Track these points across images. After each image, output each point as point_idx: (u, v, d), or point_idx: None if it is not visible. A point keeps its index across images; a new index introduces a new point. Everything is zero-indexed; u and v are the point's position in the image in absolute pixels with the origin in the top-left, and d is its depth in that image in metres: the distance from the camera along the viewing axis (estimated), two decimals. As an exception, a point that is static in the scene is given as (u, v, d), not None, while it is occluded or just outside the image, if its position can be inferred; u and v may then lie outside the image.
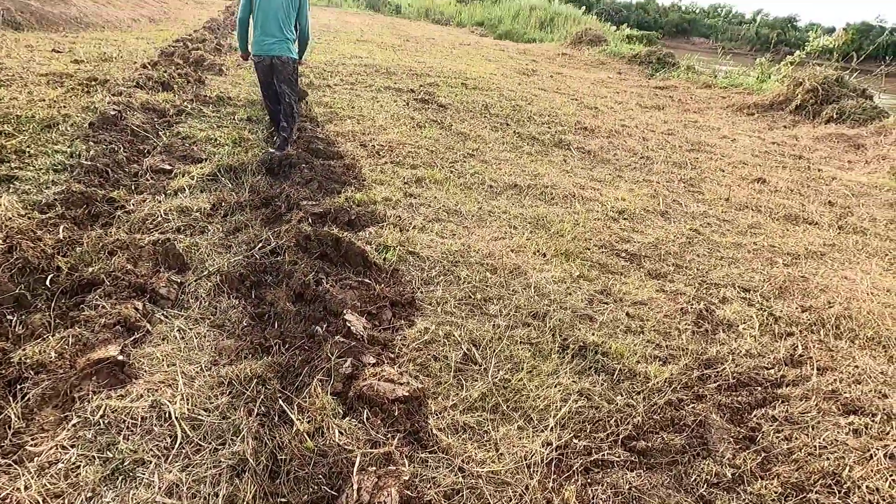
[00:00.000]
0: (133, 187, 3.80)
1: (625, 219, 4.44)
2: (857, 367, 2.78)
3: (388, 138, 5.62)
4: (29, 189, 3.52)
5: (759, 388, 2.59)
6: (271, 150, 4.66)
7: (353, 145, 5.32)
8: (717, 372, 2.66)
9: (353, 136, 5.58)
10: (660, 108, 9.89)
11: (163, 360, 2.22)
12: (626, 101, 10.06)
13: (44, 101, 5.23)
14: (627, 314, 3.04)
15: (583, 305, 3.03)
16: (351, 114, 6.52)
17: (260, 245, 3.05)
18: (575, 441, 2.11)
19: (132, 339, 2.28)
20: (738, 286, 3.59)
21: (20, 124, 4.51)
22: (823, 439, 2.25)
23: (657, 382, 2.49)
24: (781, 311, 3.31)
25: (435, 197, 4.25)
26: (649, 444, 2.14)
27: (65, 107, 5.14)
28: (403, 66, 10.31)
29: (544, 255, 3.52)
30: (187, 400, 2.01)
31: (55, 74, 6.28)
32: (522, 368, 2.44)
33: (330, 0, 30.74)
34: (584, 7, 36.12)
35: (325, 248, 3.04)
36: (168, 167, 4.12)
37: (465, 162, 5.26)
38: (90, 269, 2.67)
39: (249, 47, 4.96)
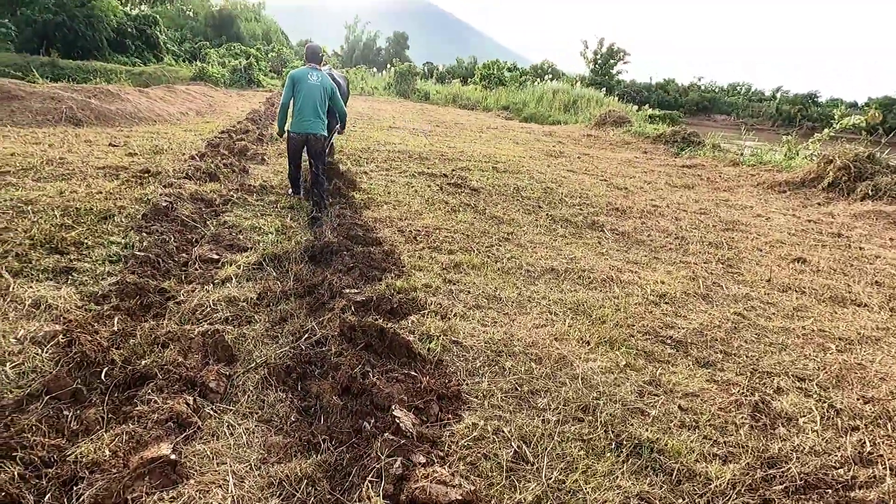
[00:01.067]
0: (183, 277, 3.94)
1: (666, 303, 4.38)
2: (934, 466, 2.60)
3: (424, 223, 5.76)
4: (86, 280, 3.67)
5: (830, 491, 2.43)
6: (316, 215, 5.67)
7: (391, 231, 5.45)
8: (782, 472, 2.51)
9: (391, 222, 5.73)
10: (690, 188, 9.97)
11: (213, 459, 2.20)
12: (656, 181, 10.18)
13: (101, 193, 5.55)
14: (680, 407, 2.93)
15: (633, 398, 2.94)
16: (387, 199, 6.73)
17: (306, 336, 3.09)
18: (638, 552, 1.98)
19: (183, 435, 2.29)
20: (792, 375, 3.45)
21: (79, 216, 4.78)
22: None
23: (720, 484, 2.36)
24: (842, 403, 3.15)
25: (474, 282, 4.28)
26: (719, 556, 1.99)
27: (120, 198, 5.44)
28: (435, 151, 10.72)
29: (588, 342, 3.47)
30: (238, 502, 1.98)
31: (111, 167, 6.70)
32: (577, 468, 2.35)
33: (362, 89, 32.60)
34: (605, 89, 37.51)
35: (369, 338, 3.05)
36: (216, 256, 4.27)
37: (501, 246, 5.33)
38: (143, 362, 2.73)
39: (287, 126, 6.08)
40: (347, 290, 3.81)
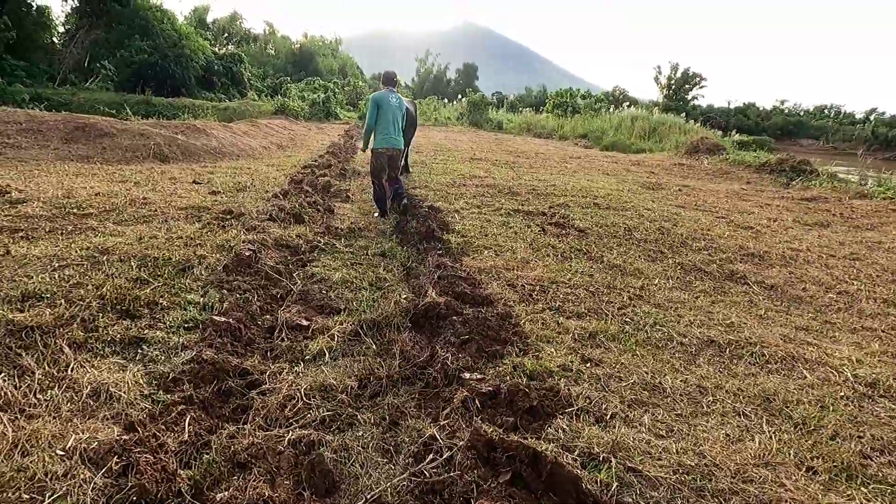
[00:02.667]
0: (268, 351, 3.26)
1: (882, 395, 3.27)
2: None
3: (535, 275, 4.90)
4: (157, 355, 3.05)
5: None
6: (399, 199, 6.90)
7: (500, 285, 4.63)
8: None
9: (497, 273, 4.92)
10: (824, 226, 8.60)
11: None
12: (781, 218, 8.88)
13: (181, 238, 5.08)
14: None
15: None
16: (486, 243, 5.94)
17: (430, 460, 2.27)
18: None
19: None
20: None
21: (157, 268, 4.26)
22: None
23: None
24: None
25: (621, 362, 3.36)
26: None
27: (201, 245, 4.94)
28: (525, 185, 9.90)
29: (814, 471, 2.46)
30: None
31: (193, 208, 6.30)
32: None
33: (436, 119, 32.51)
34: (683, 115, 35.71)
35: (517, 464, 2.20)
36: (305, 322, 3.59)
37: (635, 306, 4.38)
38: (219, 496, 2.00)
39: (371, 145, 6.86)
40: (467, 376, 2.99)
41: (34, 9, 29.86)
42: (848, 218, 9.35)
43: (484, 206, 7.90)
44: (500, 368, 3.15)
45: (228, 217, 5.96)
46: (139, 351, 3.08)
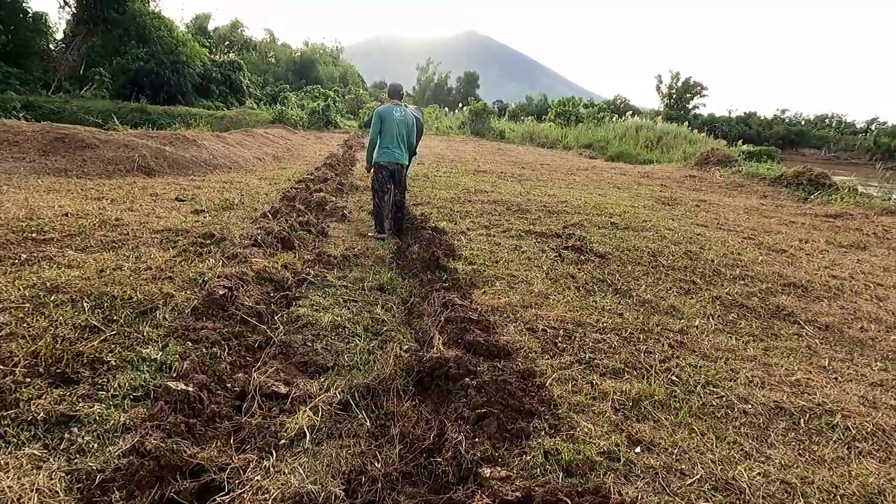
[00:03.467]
0: (234, 432, 2.57)
1: None
2: None
3: (557, 315, 4.22)
4: (88, 443, 2.37)
5: None
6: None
7: (518, 328, 3.95)
8: None
9: (513, 313, 4.24)
10: (861, 248, 7.93)
11: None
12: (812, 239, 8.21)
13: (150, 269, 4.40)
14: None
15: None
16: (497, 272, 5.27)
17: None
18: None
19: None
20: None
21: (113, 310, 3.58)
22: None
23: None
24: None
25: (677, 445, 2.67)
26: None
27: (171, 277, 4.27)
28: (535, 201, 9.24)
29: None
30: None
31: (171, 231, 5.63)
32: None
33: (437, 128, 31.93)
34: (675, 123, 35.11)
35: None
36: (283, 389, 2.90)
37: (679, 358, 3.70)
38: None
39: (374, 158, 6.58)
40: (487, 473, 2.31)
41: (30, 15, 29.36)
42: (883, 238, 8.69)
43: (492, 227, 7.24)
44: (528, 457, 2.46)
45: (208, 242, 5.30)
46: (66, 436, 2.40)
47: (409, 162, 6.91)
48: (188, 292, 3.99)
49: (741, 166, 17.92)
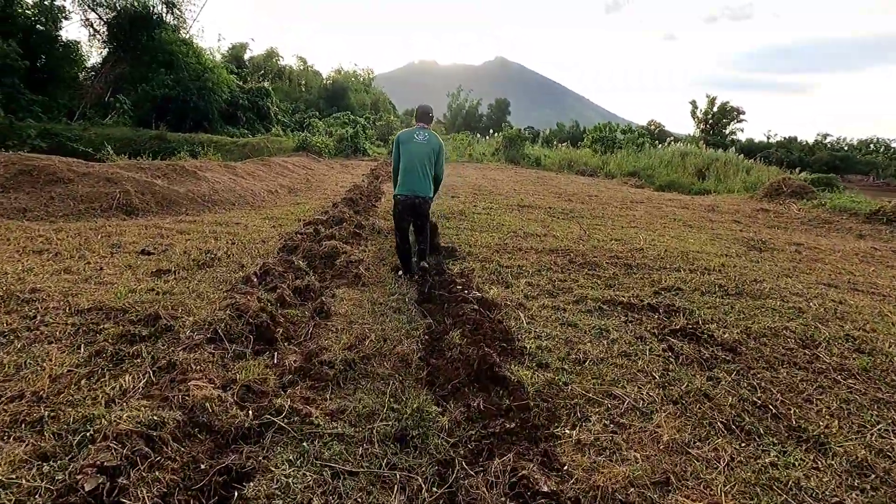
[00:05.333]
0: None
1: None
2: None
3: (705, 494, 2.24)
4: None
5: None
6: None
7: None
8: None
9: (631, 487, 2.27)
10: None
11: None
12: None
13: (19, 399, 2.61)
14: None
15: None
16: (585, 386, 3.32)
17: None
18: None
19: None
20: None
21: None
22: None
23: None
24: None
25: None
26: None
27: (59, 415, 2.46)
28: (602, 249, 7.27)
29: None
30: None
31: (101, 310, 3.87)
32: None
33: (470, 155, 30.30)
34: (720, 150, 32.72)
35: None
36: None
37: None
38: None
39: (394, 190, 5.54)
40: None
41: (60, 44, 29.07)
42: None
43: (558, 293, 5.29)
44: None
45: (145, 334, 3.50)
46: None
47: (435, 190, 5.71)
48: (32, 479, 2.15)
49: (820, 198, 15.61)
